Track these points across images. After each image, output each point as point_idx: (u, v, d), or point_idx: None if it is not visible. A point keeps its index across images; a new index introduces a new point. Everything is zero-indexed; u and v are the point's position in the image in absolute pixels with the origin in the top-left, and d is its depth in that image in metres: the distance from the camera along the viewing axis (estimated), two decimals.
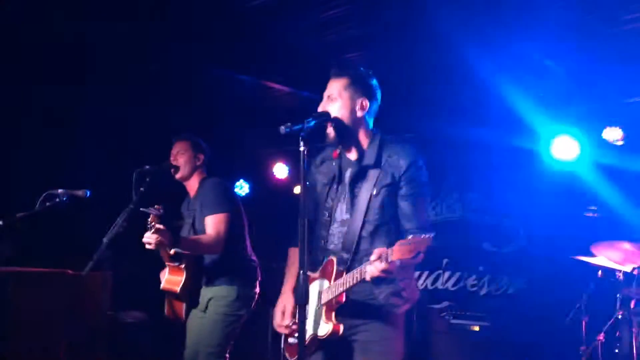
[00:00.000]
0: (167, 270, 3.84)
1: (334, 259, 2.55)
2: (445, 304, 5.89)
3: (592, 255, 4.55)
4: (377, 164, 2.58)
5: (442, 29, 4.28)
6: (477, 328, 5.26)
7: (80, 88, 5.82)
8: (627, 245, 4.39)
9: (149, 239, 3.44)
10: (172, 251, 3.73)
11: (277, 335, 6.59)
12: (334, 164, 2.71)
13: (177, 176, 4.06)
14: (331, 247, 2.64)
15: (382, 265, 2.25)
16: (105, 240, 3.90)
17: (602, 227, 5.07)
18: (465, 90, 5.72)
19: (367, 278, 2.33)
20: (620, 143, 5.31)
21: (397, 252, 2.21)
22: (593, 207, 4.82)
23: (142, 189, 3.99)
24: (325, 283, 2.55)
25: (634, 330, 4.19)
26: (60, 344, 4.11)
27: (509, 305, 5.56)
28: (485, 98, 5.67)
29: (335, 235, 2.63)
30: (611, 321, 4.41)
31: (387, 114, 2.87)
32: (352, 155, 2.67)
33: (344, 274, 2.47)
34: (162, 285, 3.82)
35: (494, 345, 5.12)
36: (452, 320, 5.39)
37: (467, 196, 6.40)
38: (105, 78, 5.62)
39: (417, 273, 6.46)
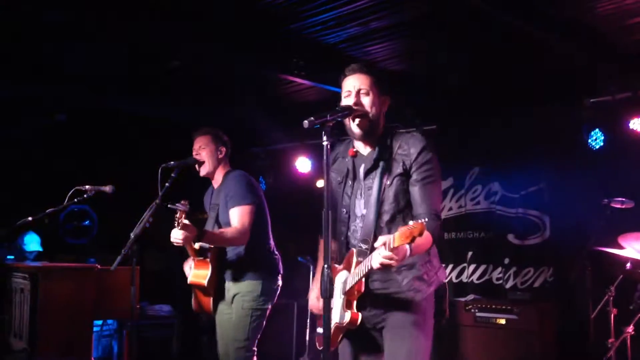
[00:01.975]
0: (192, 263, 3.88)
1: (354, 251, 2.64)
2: (470, 297, 5.85)
3: (620, 247, 4.48)
4: (389, 156, 2.64)
5: None
6: (503, 321, 5.22)
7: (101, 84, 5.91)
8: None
9: (177, 235, 3.48)
10: (197, 245, 3.77)
11: (302, 327, 6.66)
12: (347, 160, 2.77)
13: (202, 172, 4.09)
14: (354, 242, 2.70)
15: (386, 252, 2.30)
16: (132, 235, 3.96)
17: (630, 218, 4.98)
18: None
19: (374, 266, 2.37)
20: None
21: (399, 239, 2.25)
22: (621, 198, 4.73)
23: (167, 184, 4.05)
24: (346, 273, 2.66)
25: None
26: (88, 337, 4.18)
27: (535, 298, 5.50)
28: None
29: (358, 231, 2.69)
30: (639, 314, 4.35)
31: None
32: (366, 150, 2.74)
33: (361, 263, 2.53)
34: (189, 280, 3.86)
35: (520, 339, 5.08)
36: (477, 313, 5.36)
37: (491, 188, 6.34)
38: (124, 76, 5.70)
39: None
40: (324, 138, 2.44)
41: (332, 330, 2.61)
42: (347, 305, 2.59)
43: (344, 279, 2.67)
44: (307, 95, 6.44)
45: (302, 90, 6.25)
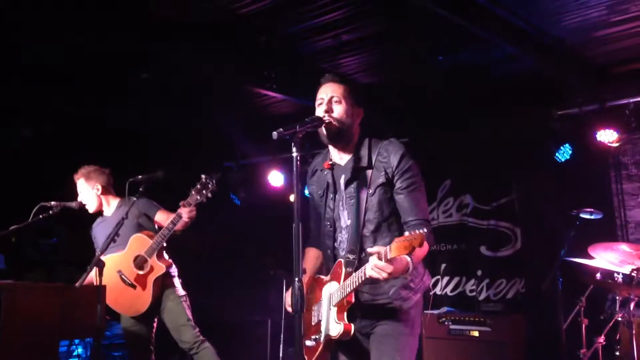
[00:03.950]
0: None
1: (342, 261, 2.63)
2: (444, 309, 5.84)
3: (590, 257, 4.52)
4: (369, 165, 2.65)
5: None
6: (476, 333, 5.23)
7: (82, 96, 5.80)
8: (624, 247, 4.37)
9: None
10: None
11: (276, 343, 6.56)
12: (325, 173, 2.77)
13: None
14: (342, 252, 2.70)
15: (380, 262, 2.30)
16: (98, 252, 3.87)
17: (599, 229, 5.05)
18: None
19: (368, 274, 2.37)
20: (615, 144, 5.31)
21: (395, 250, 2.24)
22: (590, 209, 4.80)
23: (135, 198, 3.98)
24: (335, 285, 2.63)
25: (634, 332, 4.15)
26: (54, 358, 4.05)
27: (507, 310, 5.52)
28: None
29: (344, 242, 2.69)
30: (611, 323, 4.38)
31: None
32: (343, 161, 2.74)
33: (352, 274, 2.52)
34: None
35: (494, 351, 5.08)
36: (451, 325, 5.36)
37: (463, 200, 6.38)
38: (108, 85, 5.61)
39: None
40: (294, 150, 2.42)
41: (322, 342, 2.62)
42: (339, 317, 2.57)
43: (332, 291, 2.64)
44: (280, 108, 6.43)
45: (274, 103, 6.23)
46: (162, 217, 4.27)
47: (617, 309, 4.38)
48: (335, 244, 2.72)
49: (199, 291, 4.60)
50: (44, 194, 4.15)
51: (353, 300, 2.55)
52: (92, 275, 3.73)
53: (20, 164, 6.59)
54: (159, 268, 4.17)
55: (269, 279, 6.38)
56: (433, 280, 6.38)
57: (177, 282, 4.35)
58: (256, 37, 4.73)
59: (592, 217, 4.82)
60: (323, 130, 2.64)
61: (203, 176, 4.02)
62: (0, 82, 5.24)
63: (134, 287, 4.18)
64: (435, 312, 5.62)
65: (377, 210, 2.61)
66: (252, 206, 7.29)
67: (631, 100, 5.18)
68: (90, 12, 4.20)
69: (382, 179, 2.61)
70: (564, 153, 5.42)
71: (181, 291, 4.34)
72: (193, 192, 4.02)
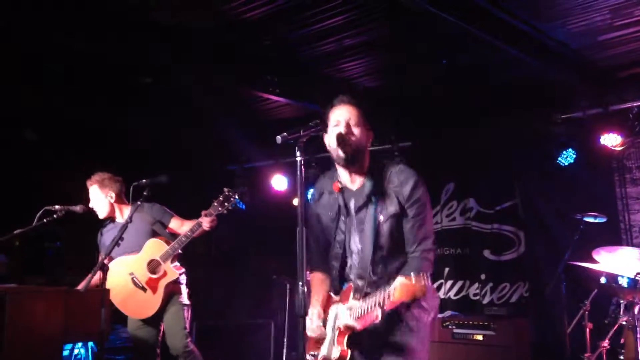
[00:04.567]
0: None
1: (352, 286, 2.66)
2: (448, 313, 5.83)
3: (594, 261, 4.52)
4: (380, 192, 2.66)
5: None
6: (480, 337, 5.21)
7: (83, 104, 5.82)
8: (628, 251, 4.36)
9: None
10: None
11: (279, 347, 6.55)
12: (335, 196, 2.76)
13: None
14: (352, 277, 2.73)
15: (386, 306, 2.35)
16: (102, 255, 3.88)
17: (603, 233, 5.04)
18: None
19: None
20: (619, 148, 5.31)
21: (400, 292, 2.27)
22: (594, 213, 4.79)
23: (139, 203, 3.99)
24: (342, 307, 2.63)
25: (638, 336, 4.14)
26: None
27: (511, 313, 5.51)
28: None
29: (355, 266, 2.71)
30: (615, 327, 4.37)
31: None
32: (354, 185, 2.74)
33: (360, 300, 2.54)
34: None
35: (498, 355, 5.06)
36: (455, 330, 5.35)
37: (466, 204, 6.37)
38: (111, 89, 5.62)
39: None
40: (298, 154, 2.42)
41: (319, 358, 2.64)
42: (338, 340, 2.57)
43: (337, 312, 2.65)
44: (283, 112, 6.43)
45: (277, 107, 6.24)
46: (176, 224, 4.35)
47: (622, 313, 4.37)
48: (346, 268, 2.74)
49: (203, 294, 4.60)
50: (47, 198, 4.15)
51: (358, 328, 2.53)
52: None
53: (22, 167, 6.61)
54: (172, 273, 4.23)
55: (272, 283, 6.37)
56: (436, 284, 6.37)
57: (184, 290, 4.39)
58: (259, 41, 4.74)
59: (596, 220, 4.81)
60: (340, 153, 2.63)
61: (226, 189, 4.17)
62: (4, 85, 5.27)
63: (144, 290, 4.22)
64: (439, 316, 5.61)
65: (389, 237, 2.63)
66: (255, 210, 7.30)
67: (635, 104, 5.18)
68: (91, 16, 4.21)
69: (394, 208, 2.63)
70: (567, 157, 5.42)
71: (186, 300, 4.38)
72: (215, 204, 4.15)
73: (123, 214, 4.40)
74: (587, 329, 4.55)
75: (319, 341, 2.69)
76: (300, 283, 2.29)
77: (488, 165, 6.09)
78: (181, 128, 6.67)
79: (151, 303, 4.20)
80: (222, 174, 7.65)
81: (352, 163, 2.68)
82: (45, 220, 3.99)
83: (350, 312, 2.54)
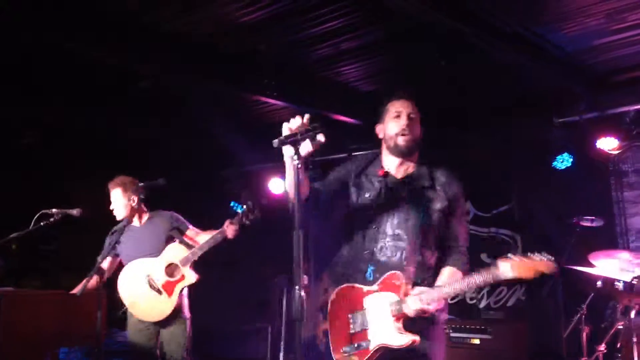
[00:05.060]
0: None
1: (400, 274, 2.69)
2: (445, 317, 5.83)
3: (590, 265, 4.52)
4: (431, 186, 2.83)
5: None
6: (477, 341, 5.21)
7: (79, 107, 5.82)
8: (625, 255, 4.37)
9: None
10: None
11: (276, 350, 6.52)
12: (379, 180, 2.86)
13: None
14: (383, 259, 2.77)
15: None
16: (99, 259, 3.87)
17: (599, 237, 5.05)
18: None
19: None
20: (615, 152, 5.33)
21: (522, 269, 2.48)
22: (590, 217, 4.80)
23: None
24: (392, 296, 2.68)
25: (634, 340, 4.15)
26: None
27: (508, 317, 5.51)
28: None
29: (389, 248, 2.77)
30: (612, 331, 4.37)
31: None
32: (399, 174, 2.87)
33: (412, 288, 2.66)
34: None
35: (495, 358, 5.07)
36: (452, 333, 5.34)
37: None
38: (108, 93, 5.62)
39: None
40: (295, 157, 2.42)
41: (371, 350, 2.67)
42: (405, 328, 2.66)
43: (391, 301, 2.68)
44: (281, 116, 6.43)
45: (274, 110, 6.24)
46: (192, 233, 4.48)
47: (618, 317, 4.37)
48: (375, 248, 2.79)
49: (200, 298, 4.61)
50: (44, 201, 4.14)
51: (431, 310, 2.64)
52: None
53: (19, 171, 6.61)
54: (191, 277, 4.31)
55: (269, 286, 6.36)
56: None
57: (186, 301, 4.44)
58: (256, 45, 4.74)
59: (593, 224, 4.82)
60: (400, 142, 2.80)
61: (250, 202, 4.37)
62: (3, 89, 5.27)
63: (160, 292, 4.27)
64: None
65: (433, 229, 2.78)
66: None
67: (631, 107, 5.20)
68: (88, 22, 4.22)
69: (443, 203, 2.80)
70: (563, 161, 5.43)
71: (187, 313, 4.42)
72: (240, 214, 4.31)
73: (142, 218, 4.48)
74: (584, 333, 4.55)
75: (363, 333, 2.71)
76: (297, 287, 2.28)
77: (485, 168, 6.10)
78: (177, 132, 6.67)
79: (165, 306, 4.25)
80: (219, 177, 7.65)
81: (408, 154, 2.84)
82: (42, 223, 3.98)
83: (421, 296, 2.62)
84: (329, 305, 2.85)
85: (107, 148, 6.73)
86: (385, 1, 3.77)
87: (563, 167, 5.44)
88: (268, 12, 4.22)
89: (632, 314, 4.22)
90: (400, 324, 2.66)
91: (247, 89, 5.42)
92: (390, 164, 2.89)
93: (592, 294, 4.61)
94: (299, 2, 4.07)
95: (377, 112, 2.97)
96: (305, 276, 2.65)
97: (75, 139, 6.49)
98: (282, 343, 5.94)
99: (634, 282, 4.17)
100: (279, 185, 7.20)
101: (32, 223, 3.98)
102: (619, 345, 4.38)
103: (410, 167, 2.88)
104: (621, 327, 4.30)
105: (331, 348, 2.78)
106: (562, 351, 4.80)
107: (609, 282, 4.44)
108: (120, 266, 4.46)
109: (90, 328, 3.56)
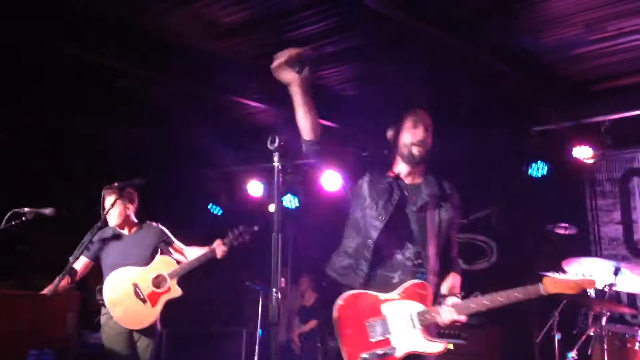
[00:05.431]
0: None
1: (426, 284, 2.79)
2: None
3: (564, 272, 4.57)
4: (442, 195, 2.94)
5: None
6: (451, 346, 5.23)
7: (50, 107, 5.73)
8: (598, 262, 4.43)
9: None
10: None
11: (251, 354, 6.48)
12: (389, 181, 2.91)
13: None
14: (408, 264, 2.82)
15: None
16: (71, 259, 3.81)
17: (573, 244, 5.12)
18: None
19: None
20: (590, 161, 5.41)
21: (559, 287, 2.69)
22: (564, 224, 4.86)
23: (111, 206, 3.94)
24: (418, 306, 2.76)
25: (605, 347, 4.20)
26: None
27: (482, 323, 5.55)
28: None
29: (407, 265, 2.82)
30: (583, 338, 4.43)
31: None
32: (410, 180, 2.97)
33: (443, 299, 2.82)
34: None
35: None
36: None
37: None
38: (83, 93, 5.55)
39: None
40: (276, 160, 2.43)
41: (398, 357, 2.71)
42: (434, 336, 2.79)
43: (418, 310, 2.75)
44: (261, 119, 6.41)
45: (255, 113, 6.21)
46: (177, 247, 4.60)
47: (590, 323, 4.43)
48: (397, 254, 2.83)
49: (175, 301, 4.57)
50: (17, 200, 4.07)
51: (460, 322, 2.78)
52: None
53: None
54: (176, 291, 4.40)
55: (245, 290, 6.33)
56: None
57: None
58: (237, 48, 4.72)
59: (567, 232, 4.89)
60: (415, 152, 2.89)
61: (241, 226, 4.50)
62: None
63: (144, 301, 4.31)
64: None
65: (445, 237, 2.90)
66: (230, 215, 7.25)
67: (607, 117, 5.28)
68: (68, 19, 4.16)
69: (451, 213, 2.93)
70: (539, 169, 5.49)
71: (159, 326, 4.46)
72: (231, 236, 4.47)
73: (131, 228, 4.51)
74: (556, 340, 4.61)
75: (386, 341, 2.72)
76: (275, 290, 2.27)
77: (461, 175, 6.13)
78: (156, 132, 6.61)
79: (148, 315, 4.32)
80: (199, 178, 7.60)
81: (419, 164, 2.94)
82: (13, 222, 3.91)
83: (455, 308, 2.76)
84: (337, 312, 2.78)
85: (84, 148, 6.64)
86: (366, 7, 3.78)
87: (539, 175, 5.50)
88: (249, 14, 4.21)
89: (603, 321, 4.28)
90: (427, 333, 2.76)
91: (228, 91, 5.39)
92: (402, 169, 2.98)
93: (565, 301, 4.67)
94: (281, 4, 4.06)
95: (392, 116, 3.05)
96: (282, 279, 2.65)
97: (51, 138, 6.39)
98: (256, 347, 5.91)
99: (606, 289, 4.23)
100: (258, 188, 7.17)
101: (3, 222, 3.91)
102: (590, 352, 4.44)
103: (418, 175, 2.99)
104: (592, 333, 4.36)
105: (346, 355, 2.72)
106: (535, 357, 4.85)
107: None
108: (95, 271, 4.45)
109: (61, 330, 3.50)
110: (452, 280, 2.95)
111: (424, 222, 2.84)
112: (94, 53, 4.49)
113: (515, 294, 2.69)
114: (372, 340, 2.73)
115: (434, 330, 2.78)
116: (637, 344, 4.12)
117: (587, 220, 5.78)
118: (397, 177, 2.94)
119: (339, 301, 2.78)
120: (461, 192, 3.04)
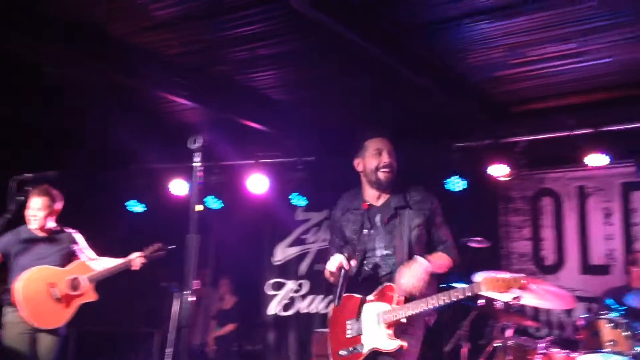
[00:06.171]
0: None
1: (394, 286, 2.98)
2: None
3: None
4: (406, 205, 3.16)
5: None
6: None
7: None
8: (507, 276, 4.62)
9: None
10: None
11: (162, 358, 6.32)
12: (361, 212, 3.19)
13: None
14: (383, 273, 3.08)
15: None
16: None
17: (487, 258, 5.32)
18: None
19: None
20: (505, 179, 5.65)
21: (486, 286, 2.94)
22: (478, 238, 5.06)
23: (22, 197, 3.80)
24: (384, 306, 2.98)
25: (510, 358, 4.39)
26: None
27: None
28: None
29: (382, 267, 3.10)
30: (489, 349, 4.61)
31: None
32: (379, 201, 3.21)
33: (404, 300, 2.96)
34: None
35: None
36: None
37: None
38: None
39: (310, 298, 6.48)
40: (197, 160, 2.41)
41: (364, 353, 2.95)
42: (395, 334, 2.92)
43: (381, 310, 2.97)
44: (189, 116, 6.30)
45: (182, 110, 6.10)
46: (90, 253, 4.58)
47: (495, 334, 4.61)
48: (378, 267, 3.10)
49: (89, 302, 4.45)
50: None
51: (406, 321, 2.92)
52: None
53: None
54: (91, 296, 4.39)
55: (158, 291, 6.18)
56: (328, 299, 6.44)
57: None
58: (167, 43, 4.63)
59: (480, 245, 5.08)
60: (381, 178, 3.15)
61: (160, 244, 4.62)
62: None
63: (58, 302, 4.24)
64: (326, 330, 5.66)
65: (417, 243, 3.09)
66: (151, 213, 7.07)
67: (523, 138, 5.51)
68: None
69: (421, 220, 3.13)
70: (457, 184, 5.67)
71: (65, 328, 4.39)
72: (149, 250, 4.57)
73: (49, 231, 4.42)
74: (464, 349, 4.76)
75: (357, 338, 2.99)
76: (187, 292, 2.24)
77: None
78: (76, 124, 6.36)
79: (60, 316, 4.27)
80: (122, 174, 7.35)
81: (387, 187, 3.18)
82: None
83: (410, 306, 2.91)
84: (331, 312, 3.17)
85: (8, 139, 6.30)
86: (300, 14, 3.81)
87: (458, 190, 5.68)
88: (183, 10, 4.14)
89: (508, 333, 4.48)
90: (391, 331, 2.93)
91: (157, 86, 5.27)
92: (370, 194, 3.22)
93: (475, 312, 4.84)
94: (215, 2, 4.03)
95: (355, 147, 3.28)
96: (196, 282, 2.62)
97: None
98: (170, 349, 5.77)
99: (511, 302, 4.42)
100: (182, 187, 7.03)
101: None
102: None
103: (386, 194, 3.21)
104: (498, 344, 4.54)
105: (330, 351, 3.09)
106: None
107: (489, 301, 4.69)
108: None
109: None
110: (433, 256, 3.08)
111: (393, 230, 3.11)
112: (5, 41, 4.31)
113: (451, 294, 2.91)
114: (349, 337, 3.04)
115: (398, 330, 2.95)
116: (536, 356, 4.33)
117: (498, 235, 6.03)
118: (370, 207, 3.18)
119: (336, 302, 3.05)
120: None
